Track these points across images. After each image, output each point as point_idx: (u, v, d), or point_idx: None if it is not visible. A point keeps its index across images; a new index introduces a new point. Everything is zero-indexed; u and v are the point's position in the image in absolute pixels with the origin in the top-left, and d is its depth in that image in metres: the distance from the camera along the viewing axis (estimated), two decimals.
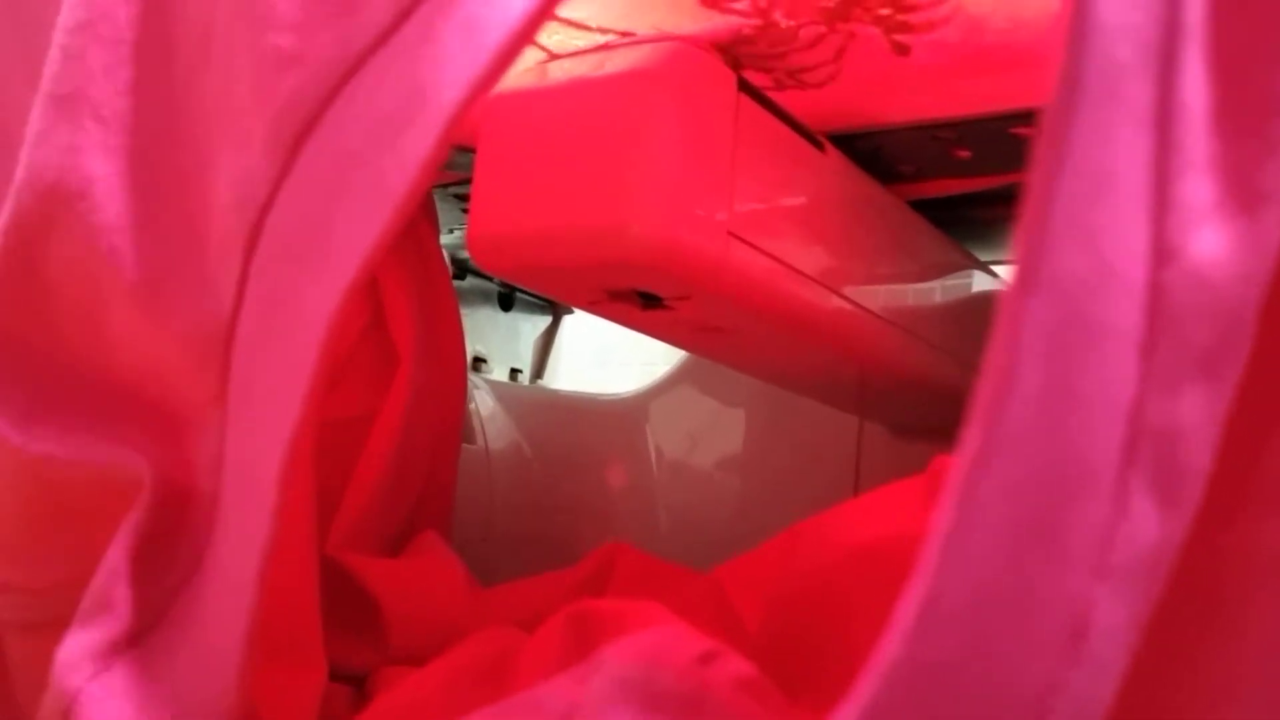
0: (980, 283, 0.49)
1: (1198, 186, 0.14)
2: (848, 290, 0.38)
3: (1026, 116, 0.37)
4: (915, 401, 0.52)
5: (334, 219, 0.19)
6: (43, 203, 0.22)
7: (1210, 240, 0.14)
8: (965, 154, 0.41)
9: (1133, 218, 0.13)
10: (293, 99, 0.20)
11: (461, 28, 0.18)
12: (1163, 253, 0.13)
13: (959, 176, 0.44)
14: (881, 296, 0.40)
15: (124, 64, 0.22)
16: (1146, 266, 0.13)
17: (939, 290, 0.46)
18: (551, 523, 0.63)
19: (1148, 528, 0.14)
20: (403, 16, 0.19)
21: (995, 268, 0.51)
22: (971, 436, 0.13)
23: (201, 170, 0.22)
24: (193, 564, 0.22)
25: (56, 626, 0.26)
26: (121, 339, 0.22)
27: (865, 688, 0.13)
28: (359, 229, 0.19)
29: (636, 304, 0.34)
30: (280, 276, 0.20)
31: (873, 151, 0.42)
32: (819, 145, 0.38)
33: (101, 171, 0.22)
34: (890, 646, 0.13)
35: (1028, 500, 0.13)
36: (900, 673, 0.13)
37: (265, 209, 0.21)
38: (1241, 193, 0.14)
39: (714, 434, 0.63)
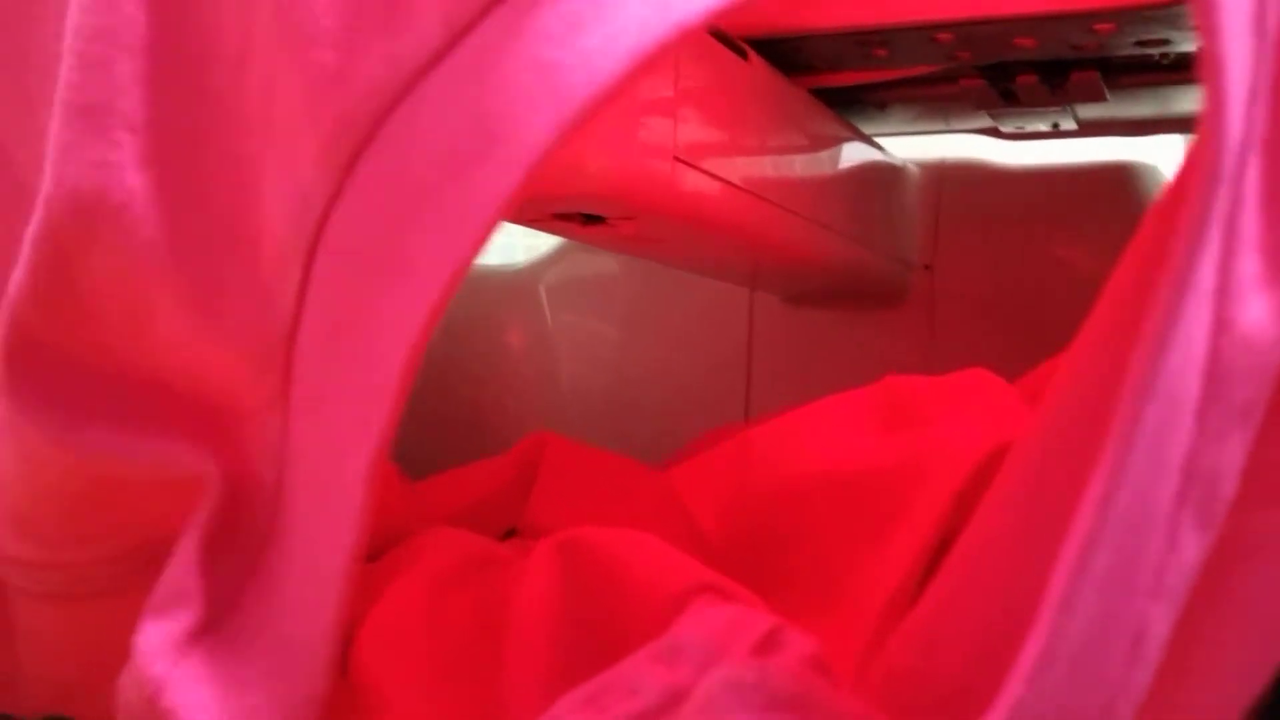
0: (864, 155, 0.51)
1: (1248, 263, 0.16)
2: (774, 195, 0.40)
3: (953, 26, 0.39)
4: (808, 276, 0.55)
5: (407, 240, 0.20)
6: (79, 216, 0.22)
7: (1257, 310, 0.16)
8: (883, 53, 0.43)
9: (1207, 298, 0.16)
10: (344, 119, 0.20)
11: (536, 70, 0.19)
12: (1222, 324, 0.16)
13: (870, 69, 0.46)
14: (801, 194, 0.42)
15: (150, 73, 0.22)
16: (1209, 338, 0.16)
17: (840, 176, 0.48)
18: (456, 394, 0.64)
19: (1191, 553, 0.16)
20: (455, 40, 0.20)
21: (879, 139, 0.54)
22: (1082, 519, 0.15)
23: (243, 182, 0.22)
24: (256, 554, 0.23)
25: (72, 600, 0.27)
26: (170, 345, 0.23)
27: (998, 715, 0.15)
28: (440, 254, 0.19)
29: (578, 223, 0.35)
30: (348, 288, 0.21)
31: (791, 53, 0.43)
32: (743, 54, 0.39)
33: (140, 184, 0.22)
34: (1013, 687, 0.15)
35: (1119, 554, 0.15)
36: (1022, 706, 0.15)
37: (322, 223, 0.21)
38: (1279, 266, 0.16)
39: (608, 299, 0.65)
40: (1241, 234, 0.16)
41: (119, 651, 0.27)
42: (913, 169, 0.59)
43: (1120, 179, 0.58)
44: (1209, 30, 0.14)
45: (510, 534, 0.43)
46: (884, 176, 0.56)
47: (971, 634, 0.20)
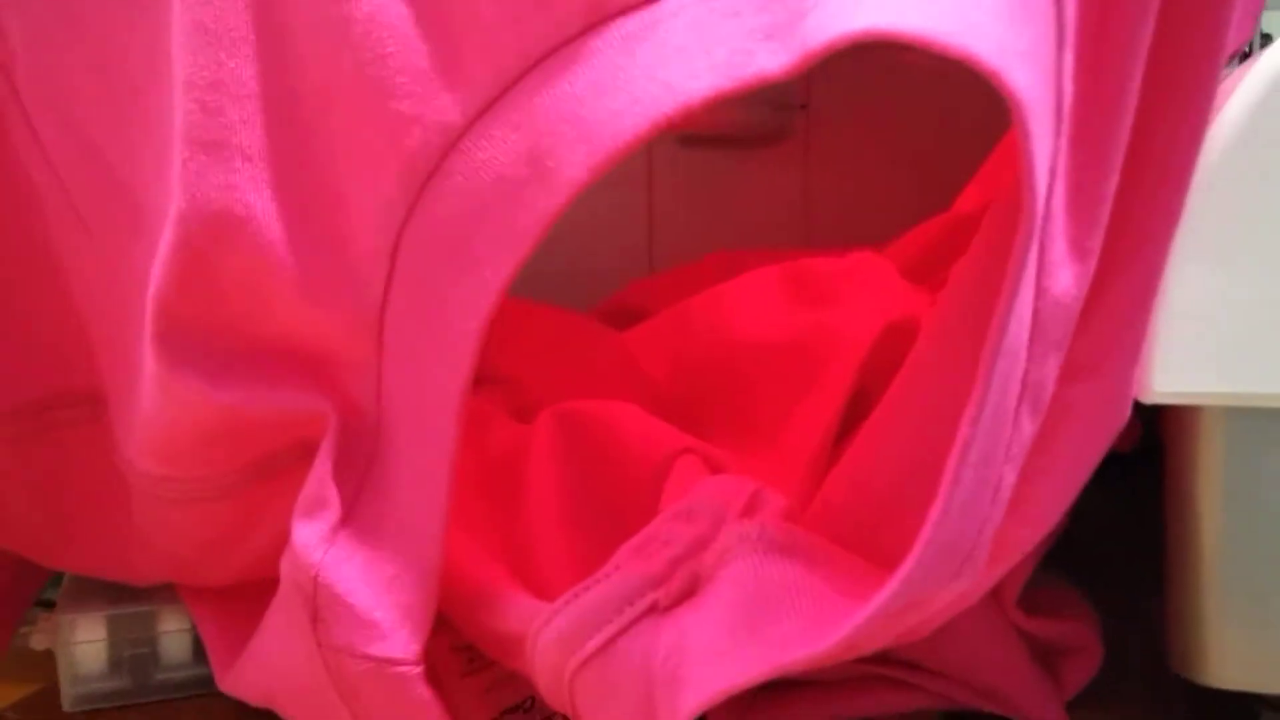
0: None
1: (1057, 249, 0.25)
2: None
3: None
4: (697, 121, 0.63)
5: (472, 244, 0.28)
6: (210, 228, 0.29)
7: (1064, 280, 0.25)
8: None
9: (1031, 277, 0.25)
10: (418, 151, 0.28)
11: (572, 122, 0.26)
12: (1041, 291, 0.25)
13: None
14: None
15: (257, 114, 0.29)
16: (1034, 301, 0.25)
17: None
18: None
19: (1028, 432, 0.26)
20: (503, 91, 0.27)
21: None
22: (967, 416, 0.24)
23: (335, 195, 0.29)
24: (365, 468, 0.31)
25: (191, 503, 0.35)
26: (288, 319, 0.30)
27: (912, 558, 0.25)
28: (500, 257, 0.27)
29: None
30: (426, 276, 0.29)
31: None
32: None
33: (258, 200, 0.29)
34: (928, 525, 0.25)
35: (988, 436, 0.25)
36: (935, 534, 0.25)
37: (402, 229, 0.29)
38: (1077, 250, 0.25)
39: None
40: (1052, 231, 0.25)
41: (224, 537, 0.36)
42: None
43: None
44: (1019, 118, 0.22)
45: None
46: None
47: (888, 479, 0.30)
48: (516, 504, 0.38)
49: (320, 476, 0.30)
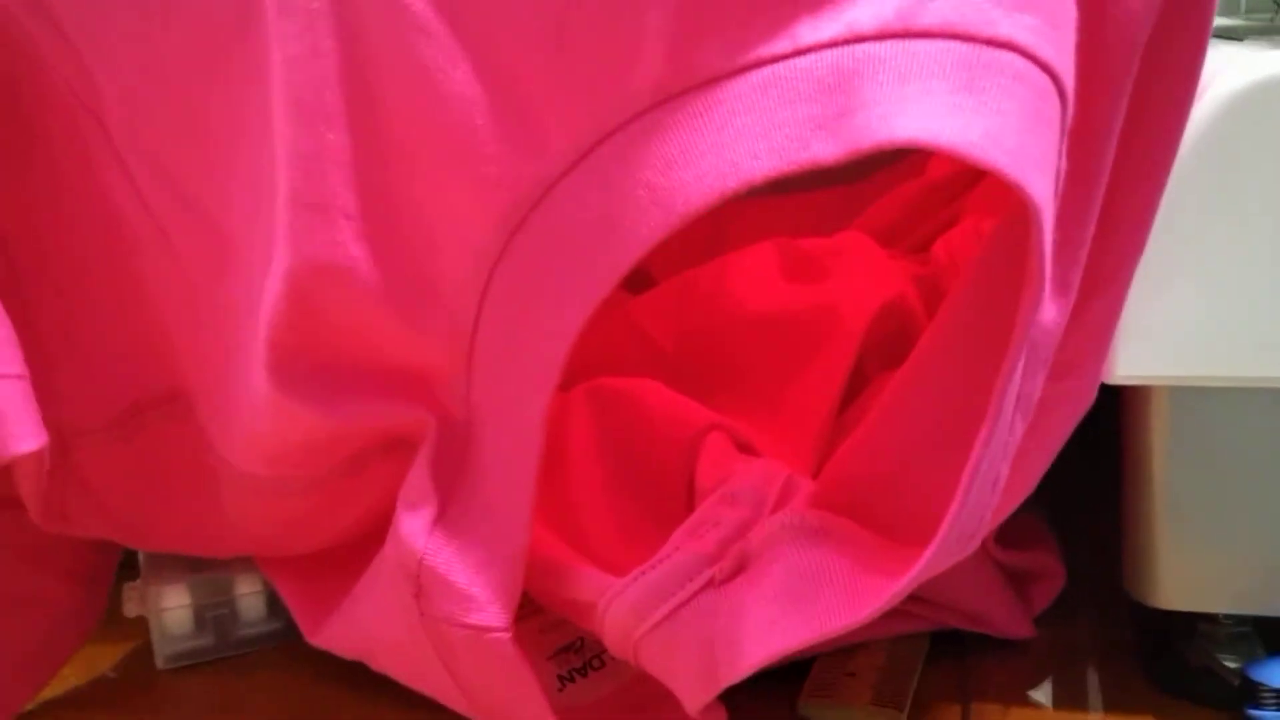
0: None
1: (1047, 289, 0.31)
2: None
3: None
4: None
5: (556, 286, 0.33)
6: (318, 278, 0.33)
7: (1050, 313, 0.31)
8: None
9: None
10: (507, 209, 0.33)
11: (645, 189, 0.31)
12: (1035, 323, 0.31)
13: None
14: None
15: (354, 179, 0.33)
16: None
17: None
18: None
19: (1020, 434, 0.32)
20: (581, 158, 0.32)
21: None
22: (984, 428, 0.30)
23: (429, 245, 0.34)
24: (457, 466, 0.36)
25: (282, 496, 0.40)
26: (388, 346, 0.35)
27: (933, 546, 0.31)
28: (576, 304, 0.32)
29: None
30: (513, 311, 0.34)
31: None
32: None
33: (359, 253, 0.33)
34: (943, 527, 0.30)
35: (995, 442, 0.31)
36: (947, 535, 0.30)
37: (492, 272, 0.33)
38: (1062, 286, 0.31)
39: None
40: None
41: (309, 520, 0.41)
42: None
43: None
44: (1033, 218, 0.28)
45: None
46: None
47: (894, 462, 0.35)
48: (561, 476, 0.44)
49: (421, 476, 0.36)
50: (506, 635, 0.36)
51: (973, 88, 0.27)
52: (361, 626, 0.40)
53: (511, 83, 0.32)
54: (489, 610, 0.36)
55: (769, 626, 0.32)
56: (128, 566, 0.48)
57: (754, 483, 0.36)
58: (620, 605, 0.35)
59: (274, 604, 0.48)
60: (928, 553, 0.30)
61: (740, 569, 0.34)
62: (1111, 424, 0.43)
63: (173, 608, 0.47)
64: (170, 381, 0.42)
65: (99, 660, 0.48)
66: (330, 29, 0.32)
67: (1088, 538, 0.49)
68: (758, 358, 0.48)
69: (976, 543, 0.33)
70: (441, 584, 0.36)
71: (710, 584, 0.34)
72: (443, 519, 0.36)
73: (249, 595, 0.48)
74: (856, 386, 0.45)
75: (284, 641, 0.48)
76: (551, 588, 0.38)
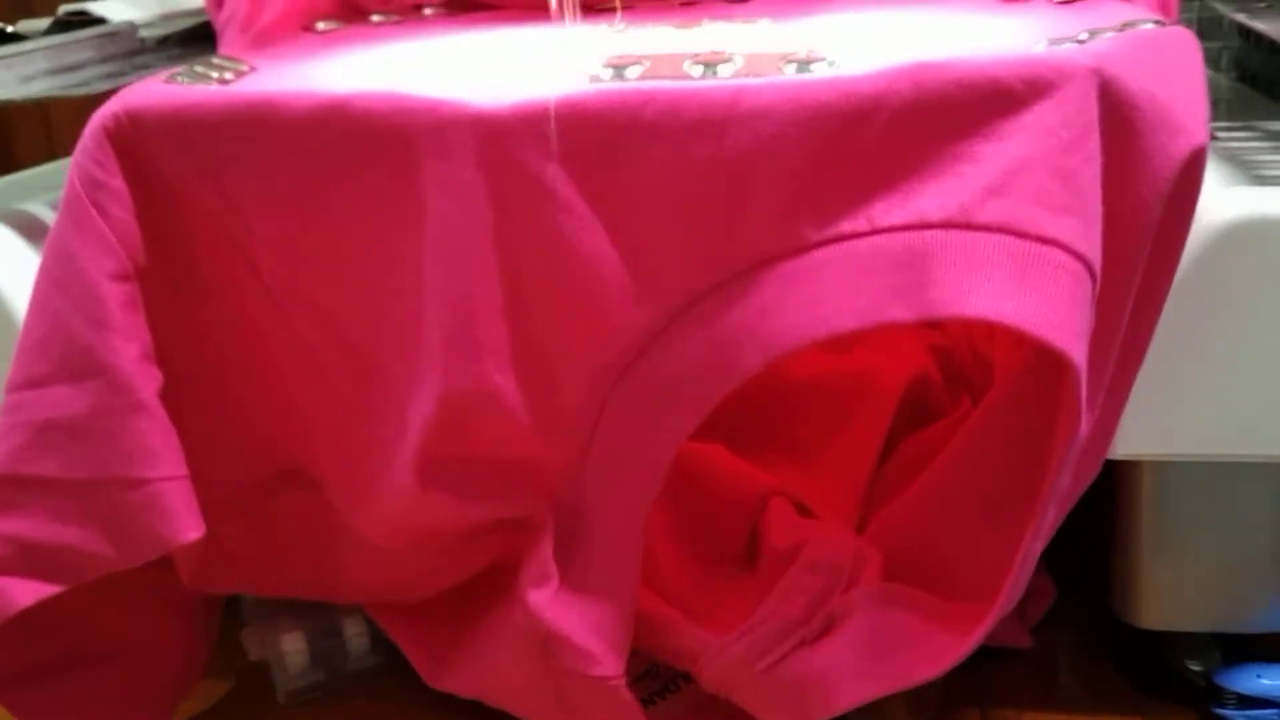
0: None
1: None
2: None
3: None
4: None
5: (666, 405, 0.40)
6: (467, 402, 0.40)
7: (1085, 425, 0.39)
8: None
9: None
10: (627, 346, 0.40)
11: (743, 332, 0.38)
12: None
13: None
14: None
15: (501, 321, 0.40)
16: None
17: None
18: None
19: (1056, 514, 0.40)
20: (690, 305, 0.39)
21: None
22: (1031, 534, 0.38)
23: (561, 370, 0.40)
24: (568, 543, 0.43)
25: (398, 560, 0.47)
26: (518, 450, 0.42)
27: (992, 614, 0.38)
28: (689, 414, 0.40)
29: None
30: (627, 422, 0.41)
31: None
32: None
33: (502, 381, 0.40)
34: (999, 602, 0.38)
35: (1048, 522, 0.38)
36: (1003, 605, 0.38)
37: (610, 393, 0.40)
38: (1089, 408, 0.39)
39: None
40: None
41: (424, 579, 0.48)
42: None
43: None
44: (1074, 382, 0.35)
45: None
46: None
47: (951, 533, 0.43)
48: None
49: (544, 557, 0.43)
50: (621, 682, 0.43)
51: (1026, 275, 0.34)
52: (487, 676, 0.47)
53: (636, 246, 0.39)
54: (606, 663, 0.43)
55: (856, 677, 0.40)
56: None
57: (829, 553, 0.44)
58: (725, 658, 0.43)
59: (376, 641, 0.55)
60: (990, 615, 0.39)
61: (827, 630, 0.42)
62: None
63: (292, 652, 0.53)
64: (297, 461, 0.48)
65: (212, 692, 0.55)
66: (486, 205, 0.39)
67: (1071, 558, 0.57)
68: (801, 420, 0.55)
69: (1019, 597, 0.41)
70: (567, 645, 0.43)
71: (802, 643, 0.42)
72: (563, 590, 0.43)
73: (355, 636, 0.54)
74: (887, 447, 0.53)
75: (385, 672, 0.55)
76: (653, 638, 0.46)
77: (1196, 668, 0.50)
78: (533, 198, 0.39)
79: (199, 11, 0.66)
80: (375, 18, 0.62)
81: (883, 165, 0.37)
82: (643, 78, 0.39)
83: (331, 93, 0.40)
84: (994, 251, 0.35)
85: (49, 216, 0.55)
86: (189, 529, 0.43)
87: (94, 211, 0.42)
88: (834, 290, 0.37)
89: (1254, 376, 0.43)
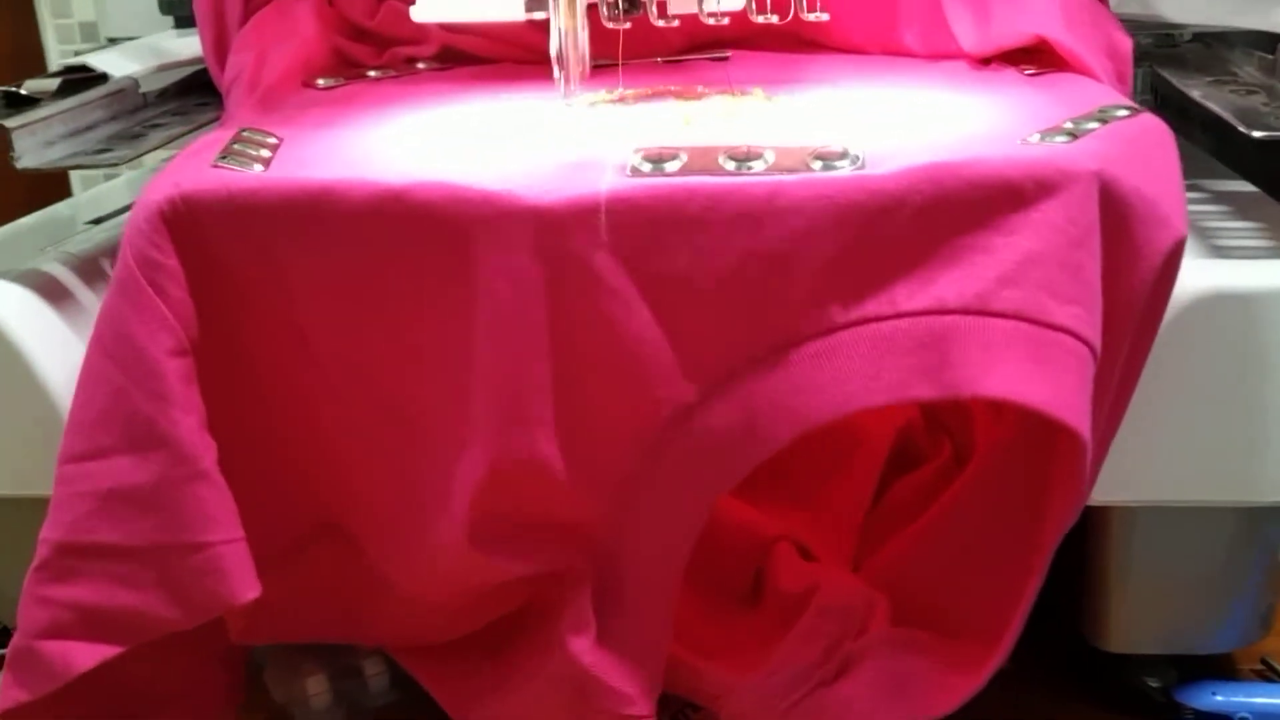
0: None
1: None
2: None
3: None
4: None
5: (703, 468, 0.43)
6: (516, 469, 0.43)
7: None
8: None
9: None
10: (666, 418, 0.43)
11: (783, 402, 0.42)
12: None
13: None
14: None
15: (548, 396, 0.43)
16: None
17: None
18: None
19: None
20: (725, 379, 0.43)
21: None
22: (1030, 590, 0.42)
23: (603, 438, 0.44)
24: (601, 593, 0.47)
25: (445, 612, 0.50)
26: (561, 512, 0.45)
27: (998, 654, 0.43)
28: (724, 477, 0.43)
29: None
30: (663, 488, 0.44)
31: None
32: None
33: (549, 450, 0.43)
34: (1002, 644, 0.43)
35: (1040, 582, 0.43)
36: (1009, 642, 0.43)
37: (649, 459, 0.44)
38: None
39: None
40: None
41: (453, 626, 0.51)
42: None
43: None
44: (1079, 453, 0.40)
45: None
46: None
47: (950, 579, 0.48)
48: None
49: (583, 606, 0.46)
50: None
51: (1039, 358, 0.39)
52: (518, 712, 0.50)
53: (678, 328, 0.42)
54: (639, 704, 0.47)
55: (873, 715, 0.44)
56: None
57: (841, 598, 0.48)
58: (748, 699, 0.47)
59: (395, 679, 0.57)
60: (996, 655, 0.43)
61: (843, 672, 0.46)
62: None
63: (315, 694, 0.56)
64: (334, 518, 0.51)
65: None
66: (540, 290, 0.42)
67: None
68: (799, 467, 0.59)
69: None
70: (604, 688, 0.46)
71: (821, 684, 0.46)
72: (601, 637, 0.47)
73: (375, 675, 0.57)
74: (877, 488, 0.57)
75: (404, 705, 0.58)
76: (673, 676, 0.50)
77: (1156, 684, 0.56)
78: (583, 283, 0.42)
79: (193, 60, 0.68)
80: (372, 73, 0.64)
81: (905, 255, 0.41)
82: (681, 172, 0.43)
83: (388, 182, 0.43)
84: (1009, 336, 0.39)
85: (63, 274, 0.56)
86: (247, 589, 0.46)
87: (151, 291, 0.44)
88: (862, 369, 0.41)
89: (1210, 433, 0.48)
